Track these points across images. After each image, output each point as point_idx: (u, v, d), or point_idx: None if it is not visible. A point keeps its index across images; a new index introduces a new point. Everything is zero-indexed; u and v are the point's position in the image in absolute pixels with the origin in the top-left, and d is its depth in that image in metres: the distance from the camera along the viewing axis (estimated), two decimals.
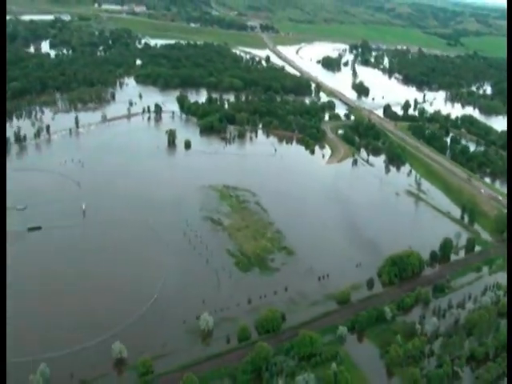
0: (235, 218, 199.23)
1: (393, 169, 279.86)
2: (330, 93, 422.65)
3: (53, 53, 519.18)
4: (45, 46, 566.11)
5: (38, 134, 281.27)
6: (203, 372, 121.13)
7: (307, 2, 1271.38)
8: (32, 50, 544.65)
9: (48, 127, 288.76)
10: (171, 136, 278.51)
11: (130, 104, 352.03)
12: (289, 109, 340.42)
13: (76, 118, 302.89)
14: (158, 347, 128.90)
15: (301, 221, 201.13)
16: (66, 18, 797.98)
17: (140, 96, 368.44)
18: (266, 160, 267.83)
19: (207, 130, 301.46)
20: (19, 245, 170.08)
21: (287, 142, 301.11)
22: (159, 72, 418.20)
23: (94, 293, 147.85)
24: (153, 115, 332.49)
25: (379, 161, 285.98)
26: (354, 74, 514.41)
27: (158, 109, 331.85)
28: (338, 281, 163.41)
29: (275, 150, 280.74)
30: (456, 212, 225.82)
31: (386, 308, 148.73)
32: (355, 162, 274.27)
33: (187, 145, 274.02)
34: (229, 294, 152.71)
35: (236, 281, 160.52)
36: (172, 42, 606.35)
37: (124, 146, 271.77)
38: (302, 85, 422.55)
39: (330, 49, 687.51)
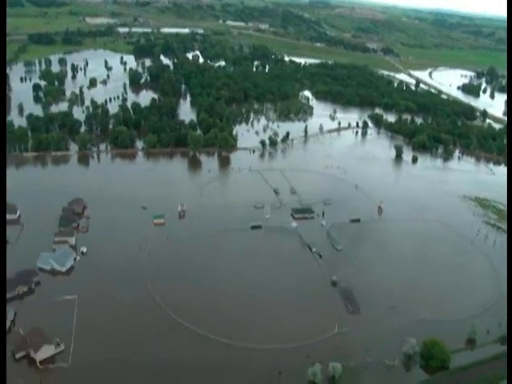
0: (505, 222, 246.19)
1: None
2: (495, 118, 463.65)
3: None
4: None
5: (284, 140, 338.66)
6: None
7: (407, 26, 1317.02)
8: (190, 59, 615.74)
9: (288, 134, 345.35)
10: (399, 151, 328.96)
11: (332, 118, 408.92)
12: (476, 132, 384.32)
13: (305, 128, 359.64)
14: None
15: None
16: (200, 31, 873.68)
17: (334, 111, 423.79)
18: (488, 177, 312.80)
19: (419, 147, 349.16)
20: (349, 231, 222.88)
21: (487, 162, 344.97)
22: (340, 90, 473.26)
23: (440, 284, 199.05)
24: (359, 130, 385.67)
25: None
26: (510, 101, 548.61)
27: (365, 125, 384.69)
28: None
29: (491, 169, 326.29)
30: None
31: None
32: None
33: (414, 159, 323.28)
34: None
35: None
36: (314, 61, 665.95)
37: (360, 156, 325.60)
38: (467, 109, 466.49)
39: (458, 74, 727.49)
